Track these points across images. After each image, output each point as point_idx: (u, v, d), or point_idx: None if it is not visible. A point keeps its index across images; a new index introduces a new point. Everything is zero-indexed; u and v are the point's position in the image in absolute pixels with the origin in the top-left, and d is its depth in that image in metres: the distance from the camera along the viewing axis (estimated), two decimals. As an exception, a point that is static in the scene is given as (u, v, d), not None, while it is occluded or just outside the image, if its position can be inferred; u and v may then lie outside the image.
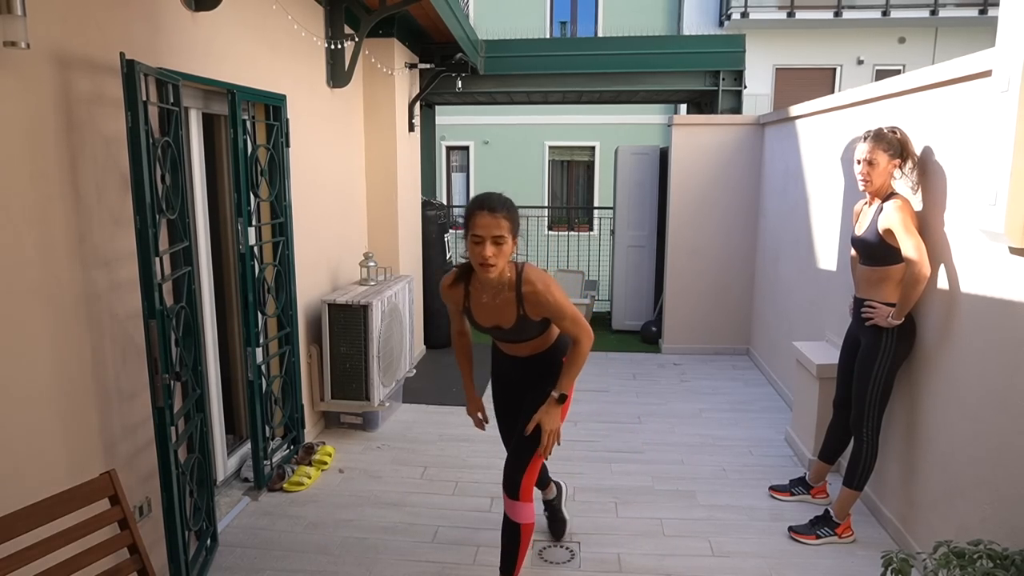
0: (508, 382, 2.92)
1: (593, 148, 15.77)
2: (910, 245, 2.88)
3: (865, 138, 3.04)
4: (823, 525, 3.26)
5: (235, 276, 3.71)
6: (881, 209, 3.01)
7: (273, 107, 3.67)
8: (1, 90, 2.01)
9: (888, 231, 2.94)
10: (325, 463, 4.00)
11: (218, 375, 3.63)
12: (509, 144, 15.67)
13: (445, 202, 13.26)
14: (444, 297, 2.67)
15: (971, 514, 2.66)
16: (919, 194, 3.09)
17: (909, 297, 2.92)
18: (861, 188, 3.08)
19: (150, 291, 2.42)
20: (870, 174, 3.00)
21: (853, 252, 3.31)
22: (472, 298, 2.61)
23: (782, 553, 3.15)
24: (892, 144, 2.98)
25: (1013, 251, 2.42)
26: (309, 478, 3.79)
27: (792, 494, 3.65)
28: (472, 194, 16.04)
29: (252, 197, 3.49)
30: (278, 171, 3.69)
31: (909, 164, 3.02)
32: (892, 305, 3.01)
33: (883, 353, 3.04)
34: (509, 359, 2.83)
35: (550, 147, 15.91)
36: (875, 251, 3.04)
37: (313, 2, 4.33)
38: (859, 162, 3.07)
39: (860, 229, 3.16)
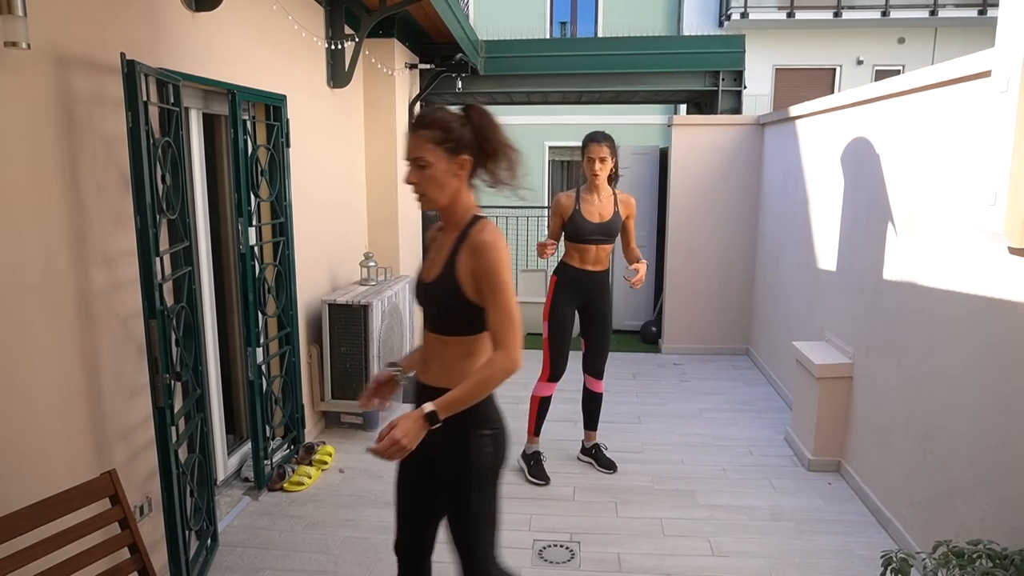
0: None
1: (593, 148, 15.76)
2: (507, 306, 1.82)
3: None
4: None
5: (235, 276, 3.71)
6: (461, 240, 1.91)
7: (273, 107, 3.68)
8: (2, 90, 2.01)
9: (472, 280, 1.86)
10: (325, 463, 4.00)
11: (218, 375, 3.63)
12: (509, 144, 15.66)
13: (445, 202, 13.24)
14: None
15: (971, 514, 2.66)
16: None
17: (482, 391, 1.84)
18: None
19: (150, 291, 2.42)
20: (418, 178, 1.90)
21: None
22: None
23: (782, 553, 3.15)
24: (446, 128, 1.87)
25: (1013, 251, 2.42)
26: (309, 478, 3.79)
27: None
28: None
29: (252, 197, 3.49)
30: (278, 171, 3.69)
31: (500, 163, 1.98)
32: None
33: (476, 479, 1.97)
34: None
35: (550, 147, 15.90)
36: (453, 309, 1.91)
37: (313, 2, 4.33)
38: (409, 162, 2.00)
39: (426, 268, 2.02)
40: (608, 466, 3.99)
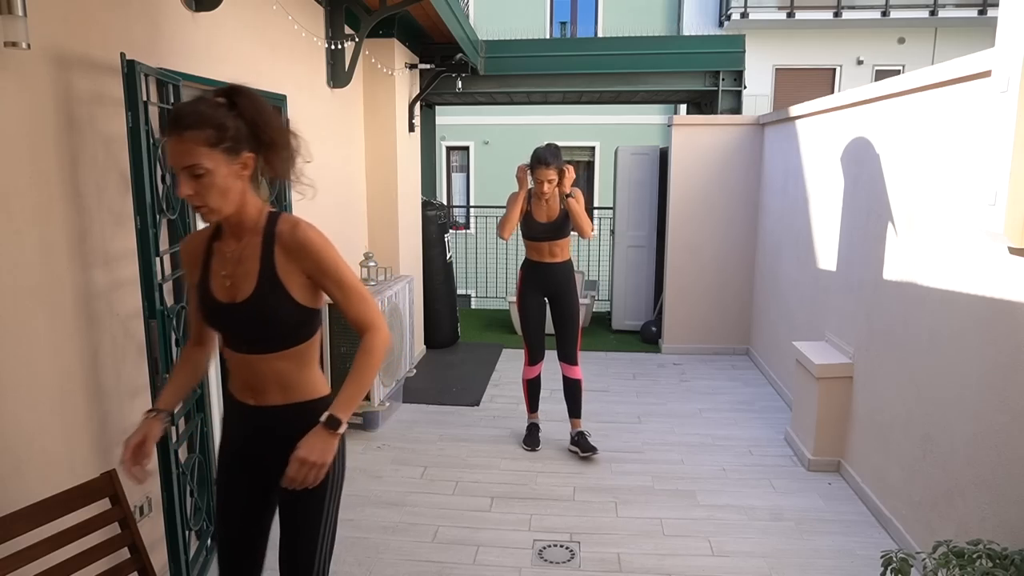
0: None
1: (593, 148, 15.75)
2: (358, 288, 1.79)
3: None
4: None
5: (235, 276, 3.70)
6: (269, 243, 1.72)
7: (273, 107, 3.67)
8: (1, 90, 2.01)
9: (303, 281, 1.73)
10: (325, 463, 4.00)
11: (218, 375, 3.62)
12: (509, 144, 15.65)
13: (445, 202, 13.26)
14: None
15: (971, 514, 2.66)
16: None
17: (372, 378, 1.78)
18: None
19: (151, 291, 2.42)
20: (196, 188, 1.60)
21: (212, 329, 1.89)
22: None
23: (782, 553, 3.15)
24: (219, 125, 1.60)
25: (1013, 251, 2.42)
26: (309, 478, 3.79)
27: None
28: (472, 194, 16.10)
29: (252, 197, 3.49)
30: (278, 171, 3.69)
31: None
32: (309, 408, 1.79)
33: (332, 484, 1.85)
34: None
35: (550, 147, 15.91)
36: (284, 321, 1.74)
37: (313, 2, 4.33)
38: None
39: (222, 288, 1.74)
40: (588, 448, 4.15)
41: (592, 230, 4.10)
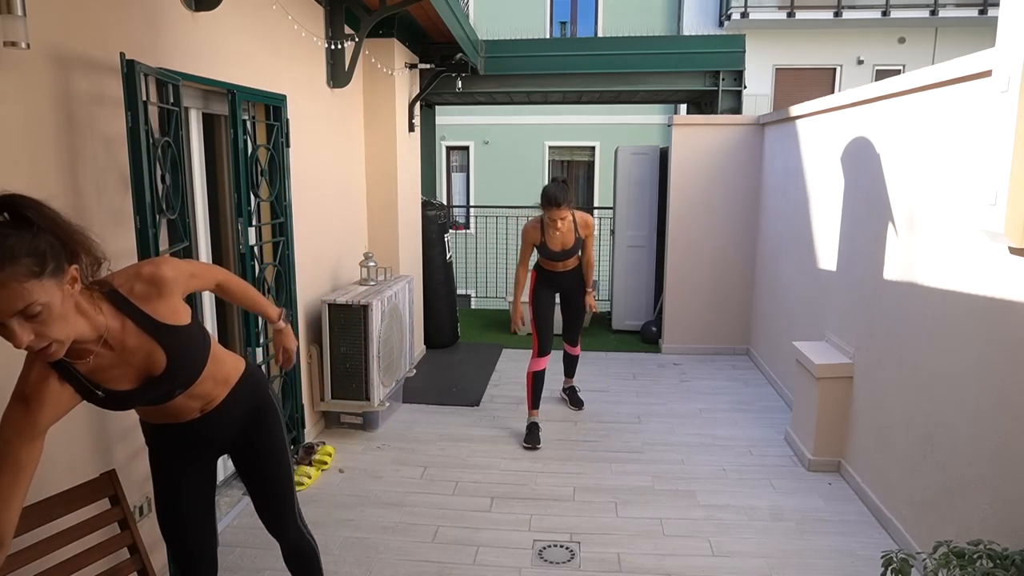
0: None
1: (593, 148, 15.76)
2: (197, 264, 2.07)
3: None
4: None
5: (235, 276, 3.70)
6: (136, 313, 1.66)
7: (273, 107, 3.67)
8: (1, 90, 2.01)
9: (177, 303, 1.78)
10: (325, 463, 4.00)
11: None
12: (509, 144, 15.67)
13: (445, 202, 13.26)
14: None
15: (971, 514, 2.66)
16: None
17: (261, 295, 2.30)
18: None
19: (150, 291, 2.41)
20: (36, 330, 1.40)
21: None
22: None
23: (782, 553, 3.15)
24: (33, 251, 1.35)
25: (1013, 251, 2.42)
26: (309, 478, 3.79)
27: None
28: (472, 194, 16.10)
29: (252, 197, 3.49)
30: (278, 171, 3.69)
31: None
32: None
33: (283, 433, 2.18)
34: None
35: (550, 147, 15.89)
36: (205, 345, 1.89)
37: (313, 2, 4.33)
38: None
39: (123, 380, 1.70)
40: (578, 404, 4.98)
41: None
